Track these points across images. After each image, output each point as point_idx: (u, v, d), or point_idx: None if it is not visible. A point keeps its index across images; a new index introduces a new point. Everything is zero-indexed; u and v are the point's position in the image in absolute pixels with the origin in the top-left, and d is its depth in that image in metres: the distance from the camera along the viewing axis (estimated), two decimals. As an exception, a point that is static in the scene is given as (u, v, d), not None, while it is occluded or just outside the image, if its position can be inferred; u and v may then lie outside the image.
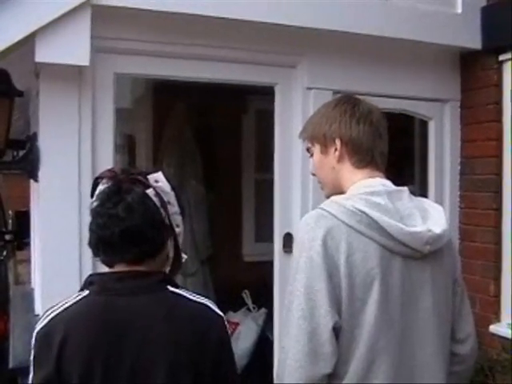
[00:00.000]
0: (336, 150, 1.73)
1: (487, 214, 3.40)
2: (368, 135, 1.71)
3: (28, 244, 4.72)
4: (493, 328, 3.29)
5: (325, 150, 1.76)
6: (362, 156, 1.71)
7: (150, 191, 1.57)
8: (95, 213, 1.56)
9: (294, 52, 3.13)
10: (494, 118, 3.37)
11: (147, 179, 1.61)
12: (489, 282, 3.36)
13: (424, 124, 3.69)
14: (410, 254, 1.60)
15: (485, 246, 3.41)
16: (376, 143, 1.72)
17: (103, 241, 1.54)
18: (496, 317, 3.34)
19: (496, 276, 3.35)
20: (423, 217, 1.65)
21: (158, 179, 1.62)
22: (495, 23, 3.29)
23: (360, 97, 1.81)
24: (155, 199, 1.57)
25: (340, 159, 1.74)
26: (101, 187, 1.61)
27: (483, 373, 3.04)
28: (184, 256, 1.73)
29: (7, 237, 5.74)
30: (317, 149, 1.79)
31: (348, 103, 1.75)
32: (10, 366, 2.92)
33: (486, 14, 3.36)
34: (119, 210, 1.51)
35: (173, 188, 1.65)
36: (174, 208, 1.63)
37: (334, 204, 1.61)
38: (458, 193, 3.59)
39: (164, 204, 1.60)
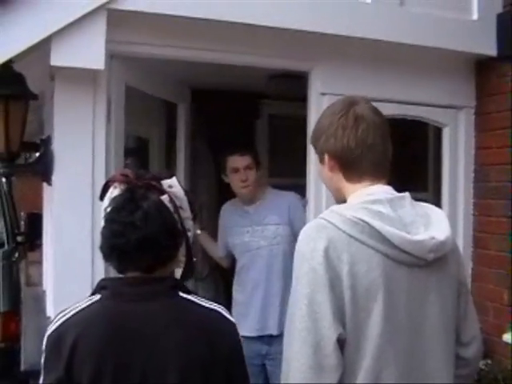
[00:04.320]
0: (327, 161, 1.71)
1: (501, 221, 3.36)
2: (352, 150, 1.65)
3: (40, 245, 4.74)
4: (506, 337, 3.26)
5: (321, 160, 1.75)
6: (350, 171, 1.68)
7: (164, 197, 1.57)
8: (110, 220, 1.54)
9: (307, 57, 3.12)
10: (509, 125, 3.33)
11: (161, 185, 1.60)
12: (502, 291, 3.32)
13: (438, 131, 3.67)
14: (414, 263, 1.58)
15: (498, 253, 3.37)
16: (364, 156, 1.66)
17: (118, 248, 1.53)
18: (510, 326, 3.30)
19: (510, 284, 3.31)
20: (425, 224, 1.63)
21: (172, 184, 1.62)
22: (511, 30, 3.26)
23: (361, 99, 1.74)
24: (169, 205, 1.57)
25: (332, 171, 1.71)
26: (113, 191, 1.60)
27: (497, 383, 3.00)
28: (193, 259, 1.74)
29: (19, 238, 5.76)
30: (318, 158, 1.78)
31: (339, 112, 1.69)
32: (22, 368, 2.94)
33: (502, 20, 3.33)
34: (136, 219, 1.50)
35: (186, 193, 1.65)
36: (186, 213, 1.63)
37: (334, 214, 1.59)
38: (472, 200, 3.55)
39: (177, 209, 1.59)
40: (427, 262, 1.60)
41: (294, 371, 1.51)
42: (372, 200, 1.61)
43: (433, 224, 1.64)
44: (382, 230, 1.54)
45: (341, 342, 1.51)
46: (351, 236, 1.54)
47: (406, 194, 1.68)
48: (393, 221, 1.57)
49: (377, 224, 1.54)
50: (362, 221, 1.54)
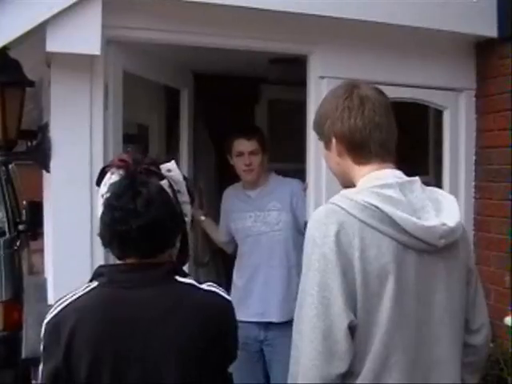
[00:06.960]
0: (334, 146, 1.70)
1: (502, 204, 3.35)
2: (360, 130, 1.65)
3: (42, 234, 4.73)
4: (508, 320, 3.25)
5: (327, 146, 1.74)
6: (358, 152, 1.67)
7: (164, 182, 1.56)
8: (110, 206, 1.52)
9: (306, 41, 3.10)
10: (510, 108, 3.30)
11: (160, 169, 1.60)
12: (503, 274, 3.32)
13: (439, 113, 3.65)
14: (424, 248, 1.57)
15: (500, 236, 3.36)
16: (372, 136, 1.65)
17: (119, 235, 1.51)
18: (511, 309, 3.30)
19: (511, 267, 3.30)
20: (436, 209, 1.62)
21: (171, 168, 1.61)
22: (511, 11, 3.23)
23: (362, 82, 1.74)
24: (169, 190, 1.57)
25: (340, 155, 1.70)
26: (111, 176, 1.59)
27: (499, 366, 3.00)
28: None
29: (21, 227, 5.76)
30: (323, 143, 1.77)
31: (343, 95, 1.69)
32: (23, 356, 2.95)
33: (503, 1, 3.29)
34: (138, 205, 1.48)
35: (184, 177, 1.65)
36: (183, 197, 1.63)
37: (344, 198, 1.58)
38: (473, 183, 3.54)
39: (175, 194, 1.59)
40: (437, 249, 1.59)
41: (304, 357, 1.51)
42: (382, 184, 1.60)
43: (443, 210, 1.63)
44: (392, 215, 1.53)
45: (352, 329, 1.50)
46: (362, 221, 1.53)
47: (416, 179, 1.66)
48: (403, 206, 1.56)
49: (387, 209, 1.53)
50: (373, 205, 1.53)
